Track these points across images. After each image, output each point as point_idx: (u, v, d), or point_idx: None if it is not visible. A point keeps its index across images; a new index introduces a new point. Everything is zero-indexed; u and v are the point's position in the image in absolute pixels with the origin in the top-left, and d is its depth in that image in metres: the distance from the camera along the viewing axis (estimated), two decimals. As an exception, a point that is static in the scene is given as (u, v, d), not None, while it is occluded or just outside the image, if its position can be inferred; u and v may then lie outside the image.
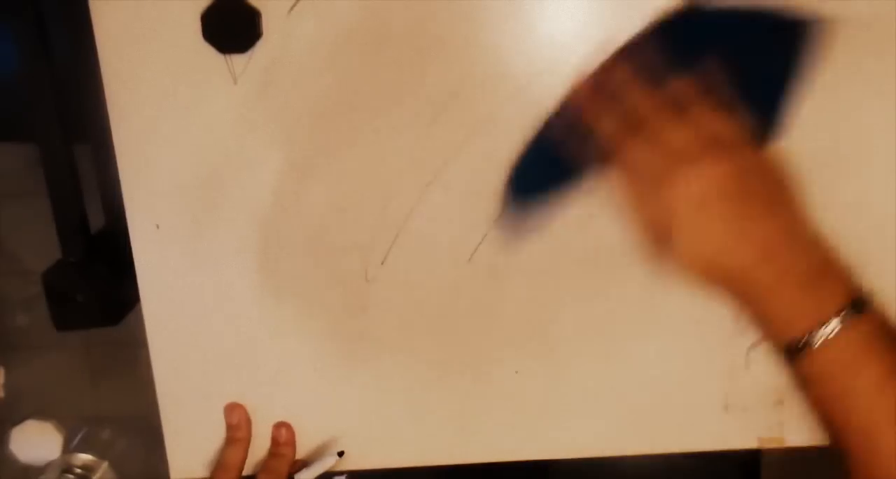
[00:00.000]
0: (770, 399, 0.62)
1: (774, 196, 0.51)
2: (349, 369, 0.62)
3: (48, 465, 0.74)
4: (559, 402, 0.62)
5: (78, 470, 0.74)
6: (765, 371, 0.60)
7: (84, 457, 0.75)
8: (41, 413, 0.74)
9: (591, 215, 0.58)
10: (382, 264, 0.59)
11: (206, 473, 0.64)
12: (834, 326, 0.48)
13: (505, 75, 0.55)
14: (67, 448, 0.74)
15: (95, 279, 0.61)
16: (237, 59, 0.54)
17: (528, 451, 0.64)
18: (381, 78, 0.55)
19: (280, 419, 0.63)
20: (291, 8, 0.53)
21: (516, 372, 0.62)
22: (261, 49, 0.54)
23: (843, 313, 0.48)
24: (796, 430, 0.62)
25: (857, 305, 0.49)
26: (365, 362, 0.62)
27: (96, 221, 0.63)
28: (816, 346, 0.48)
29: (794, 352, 0.49)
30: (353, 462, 0.65)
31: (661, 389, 0.62)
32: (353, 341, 0.61)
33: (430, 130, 0.56)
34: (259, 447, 0.64)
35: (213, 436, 0.64)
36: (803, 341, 0.48)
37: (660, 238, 0.51)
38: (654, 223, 0.51)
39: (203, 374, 0.62)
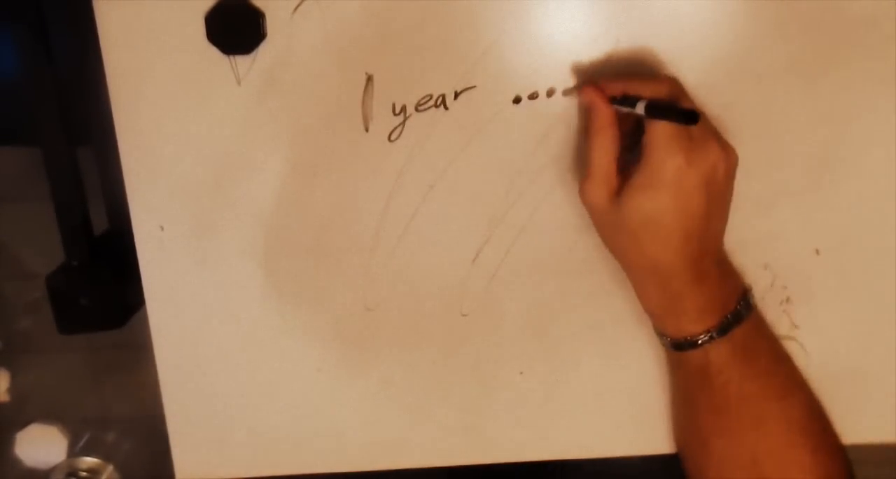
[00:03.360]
0: (774, 399, 0.62)
1: (730, 199, 0.53)
2: (352, 370, 0.62)
3: (53, 468, 0.74)
4: (563, 402, 0.62)
5: (83, 473, 0.74)
6: (769, 371, 0.60)
7: (89, 460, 0.74)
8: (46, 417, 0.73)
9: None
10: (386, 265, 0.59)
11: (211, 474, 0.64)
12: (730, 325, 0.52)
13: (507, 76, 0.55)
14: (72, 451, 0.74)
15: (99, 282, 0.61)
16: (241, 61, 0.54)
17: (531, 452, 0.64)
18: (384, 79, 0.55)
19: (282, 419, 0.63)
20: (295, 9, 0.53)
21: (521, 373, 0.62)
22: (265, 50, 0.54)
23: (737, 312, 0.53)
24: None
25: (747, 304, 0.54)
26: (368, 363, 0.62)
27: (99, 223, 0.63)
28: (714, 342, 0.52)
29: (688, 346, 0.53)
30: (356, 463, 0.65)
31: (666, 389, 0.62)
32: (357, 341, 0.62)
33: (433, 130, 0.56)
34: (262, 445, 0.64)
35: (218, 437, 0.64)
36: (703, 338, 0.52)
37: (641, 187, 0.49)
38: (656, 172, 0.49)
39: (208, 375, 0.62)
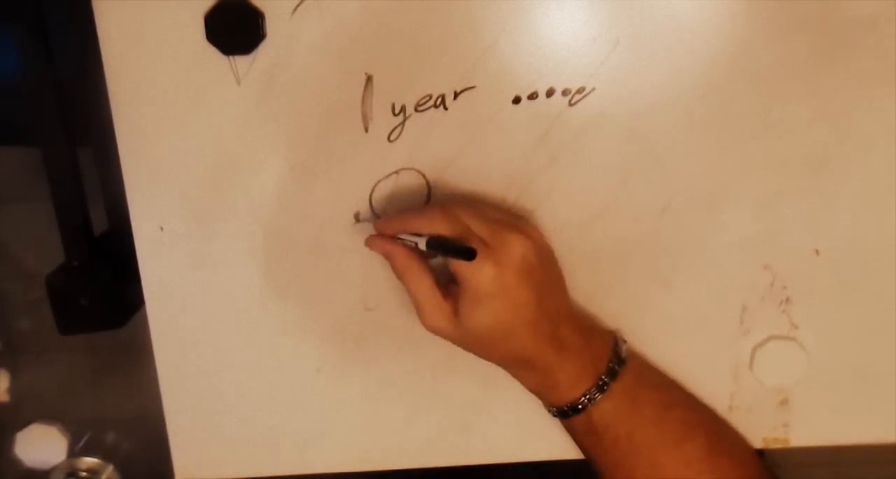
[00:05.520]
0: (775, 400, 0.62)
1: (557, 271, 0.55)
2: (352, 370, 0.62)
3: (53, 469, 0.74)
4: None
5: (83, 473, 0.74)
6: (769, 372, 0.60)
7: (89, 460, 0.74)
8: (46, 417, 0.73)
9: (592, 217, 0.58)
10: (386, 265, 0.59)
11: (211, 474, 0.64)
12: (605, 383, 0.54)
13: (507, 76, 0.55)
14: (72, 452, 0.74)
15: (99, 282, 0.61)
16: (241, 61, 0.54)
17: (531, 452, 0.64)
18: (383, 79, 0.55)
19: (282, 419, 0.63)
20: (295, 9, 0.53)
21: (520, 373, 0.62)
22: (264, 50, 0.54)
23: (610, 369, 0.54)
24: (801, 430, 0.62)
25: (619, 358, 0.55)
26: (367, 363, 0.62)
27: (99, 223, 0.63)
28: (595, 403, 0.54)
29: (572, 411, 0.54)
30: (356, 463, 0.65)
31: (665, 389, 0.62)
32: (356, 341, 0.62)
33: (433, 130, 0.56)
34: (262, 445, 0.64)
35: (217, 437, 0.64)
36: (582, 401, 0.54)
37: (464, 300, 0.51)
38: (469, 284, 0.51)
39: (207, 375, 0.62)
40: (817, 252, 0.58)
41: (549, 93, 0.55)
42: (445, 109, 0.55)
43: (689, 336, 0.61)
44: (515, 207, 0.58)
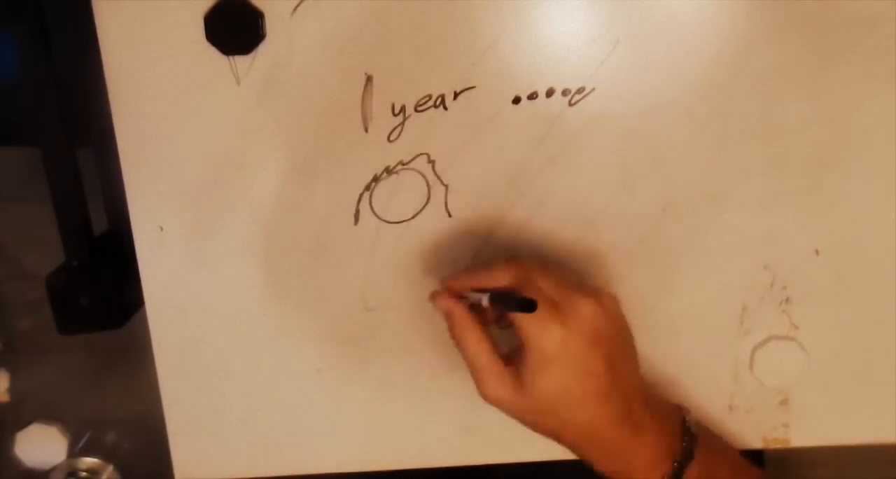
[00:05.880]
0: (775, 400, 0.62)
1: (631, 343, 0.53)
2: (352, 370, 0.62)
3: (53, 469, 0.74)
4: (563, 402, 0.62)
5: (83, 473, 0.74)
6: (769, 372, 0.60)
7: (89, 460, 0.74)
8: (46, 417, 0.73)
9: (592, 217, 0.58)
10: (386, 265, 0.59)
11: (211, 474, 0.64)
12: (682, 465, 0.51)
13: (507, 76, 0.55)
14: (73, 452, 0.74)
15: (99, 282, 0.61)
16: (240, 61, 0.54)
17: (531, 452, 0.64)
18: (383, 79, 0.55)
19: (282, 419, 0.63)
20: (295, 9, 0.53)
21: (520, 373, 0.62)
22: (264, 50, 0.54)
23: (685, 449, 0.52)
24: (801, 430, 0.62)
25: (690, 435, 0.53)
26: (367, 363, 0.62)
27: (99, 223, 0.63)
28: None
29: None
30: (356, 463, 0.65)
31: (665, 390, 0.62)
32: (355, 341, 0.62)
33: (432, 131, 0.56)
34: (262, 445, 0.64)
35: (216, 437, 0.64)
36: None
37: (527, 369, 0.49)
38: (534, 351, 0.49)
39: (206, 375, 0.62)
40: (817, 252, 0.58)
41: (549, 93, 0.55)
42: (445, 109, 0.55)
43: (689, 336, 0.61)
44: (515, 208, 0.58)
